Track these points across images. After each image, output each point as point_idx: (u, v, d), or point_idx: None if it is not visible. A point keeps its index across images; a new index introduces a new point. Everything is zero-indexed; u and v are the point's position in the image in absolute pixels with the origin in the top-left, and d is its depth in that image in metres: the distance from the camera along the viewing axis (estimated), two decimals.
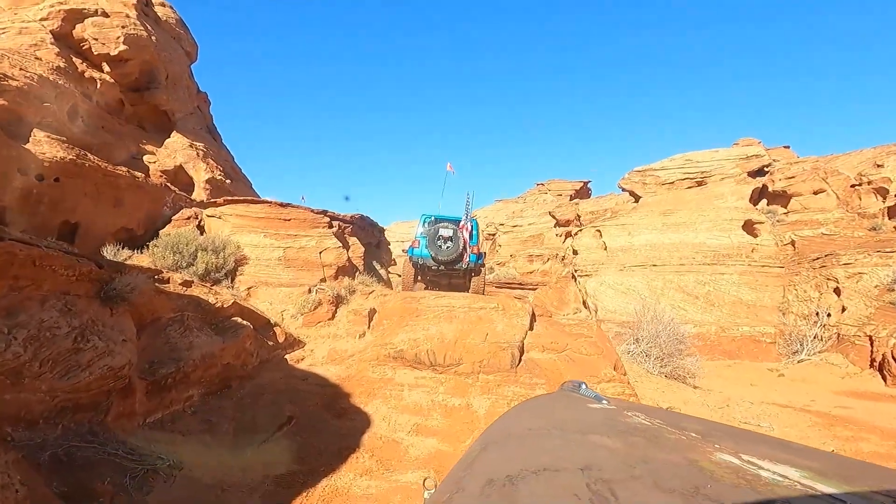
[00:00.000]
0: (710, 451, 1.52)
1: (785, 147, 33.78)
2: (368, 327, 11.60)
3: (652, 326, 12.91)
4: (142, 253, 11.85)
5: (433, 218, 13.29)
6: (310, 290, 12.17)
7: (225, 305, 8.72)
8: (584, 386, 3.03)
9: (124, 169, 12.86)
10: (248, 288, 11.99)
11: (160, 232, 12.33)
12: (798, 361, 16.25)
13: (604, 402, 2.60)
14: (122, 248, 11.89)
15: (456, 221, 12.71)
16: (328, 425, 7.27)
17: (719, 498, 1.13)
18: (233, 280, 11.97)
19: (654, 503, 1.16)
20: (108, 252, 10.98)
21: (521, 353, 9.90)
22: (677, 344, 12.41)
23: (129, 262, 11.10)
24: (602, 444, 1.66)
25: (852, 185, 22.81)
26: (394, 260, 35.03)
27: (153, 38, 15.84)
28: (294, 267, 12.73)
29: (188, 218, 14.45)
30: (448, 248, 12.18)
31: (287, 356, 9.91)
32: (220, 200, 13.76)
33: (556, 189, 48.31)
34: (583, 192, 47.16)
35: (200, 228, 13.89)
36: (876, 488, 1.15)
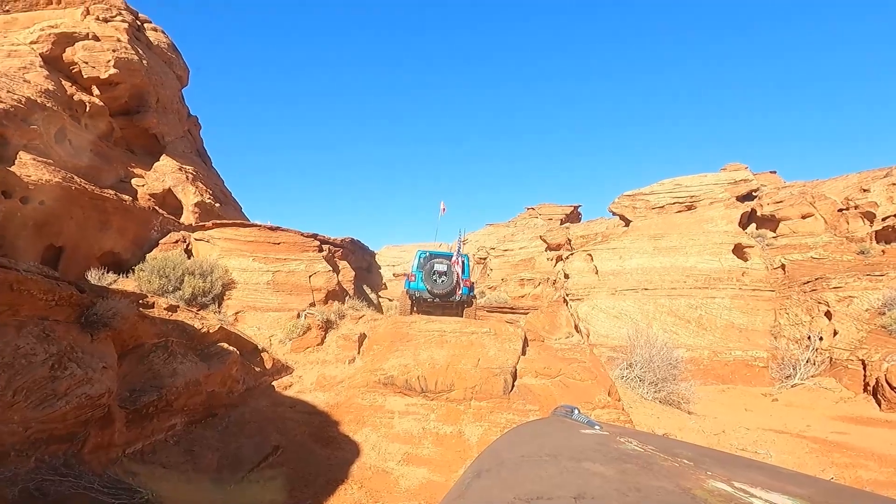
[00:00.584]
0: (702, 479, 1.51)
1: (772, 172, 34.20)
2: (358, 352, 11.40)
3: (645, 351, 12.78)
4: (128, 277, 11.64)
5: (428, 254, 14.10)
6: (299, 315, 11.98)
7: (211, 331, 8.51)
8: (576, 411, 3.00)
9: (111, 192, 12.70)
10: (236, 312, 11.78)
11: (147, 256, 12.12)
12: (791, 386, 16.13)
13: (596, 427, 2.58)
14: (108, 273, 11.68)
15: (448, 257, 13.64)
16: (316, 455, 7.04)
17: None
18: (220, 305, 11.76)
19: None
20: (93, 276, 10.75)
21: (514, 378, 9.73)
22: (671, 369, 12.28)
23: (114, 286, 10.88)
24: (595, 472, 1.65)
25: (839, 210, 23.01)
26: (384, 284, 34.81)
27: (144, 62, 15.84)
28: (283, 291, 12.55)
29: (176, 242, 14.26)
30: (443, 282, 13.03)
31: (275, 382, 9.68)
32: (208, 224, 13.61)
33: (547, 213, 48.53)
34: (573, 217, 47.35)
35: (188, 252, 13.70)
36: None
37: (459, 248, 13.67)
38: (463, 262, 13.45)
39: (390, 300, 26.63)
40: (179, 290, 11.08)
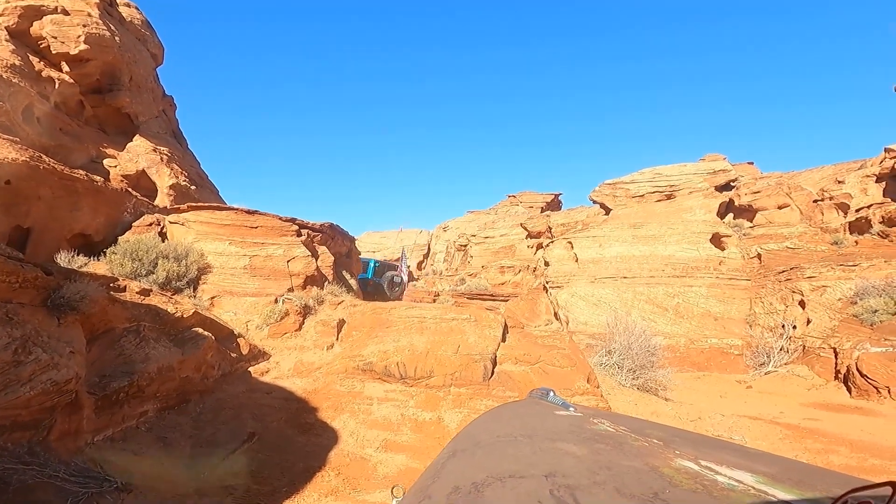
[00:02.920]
0: (670, 458, 1.56)
1: (749, 163, 34.62)
2: (337, 339, 11.27)
3: (624, 338, 12.83)
4: (99, 260, 11.31)
5: (377, 263, 23.10)
6: (276, 300, 11.79)
7: (185, 315, 8.31)
8: (552, 393, 3.04)
9: (82, 172, 12.31)
10: (212, 297, 11.55)
11: (119, 238, 11.77)
12: (765, 373, 16.40)
13: (571, 409, 2.63)
14: (78, 255, 11.35)
15: (396, 268, 20.81)
16: (293, 442, 6.93)
17: (677, 503, 1.17)
18: (195, 289, 11.50)
19: None
20: (63, 259, 10.43)
21: (494, 365, 9.70)
22: (649, 356, 12.36)
23: (84, 269, 10.57)
24: (568, 451, 1.69)
25: (815, 201, 23.40)
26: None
27: (116, 38, 15.33)
28: (260, 276, 12.33)
29: (150, 224, 13.91)
30: (398, 290, 18.96)
31: (251, 368, 9.51)
32: (183, 206, 13.29)
33: (528, 201, 48.64)
34: (554, 205, 47.54)
35: (162, 235, 13.36)
36: (826, 493, 1.19)
37: (403, 259, 25.48)
38: (408, 269, 20.49)
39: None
40: (153, 273, 10.80)
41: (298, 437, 7.10)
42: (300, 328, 11.46)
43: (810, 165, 27.60)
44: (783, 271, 19.01)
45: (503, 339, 11.17)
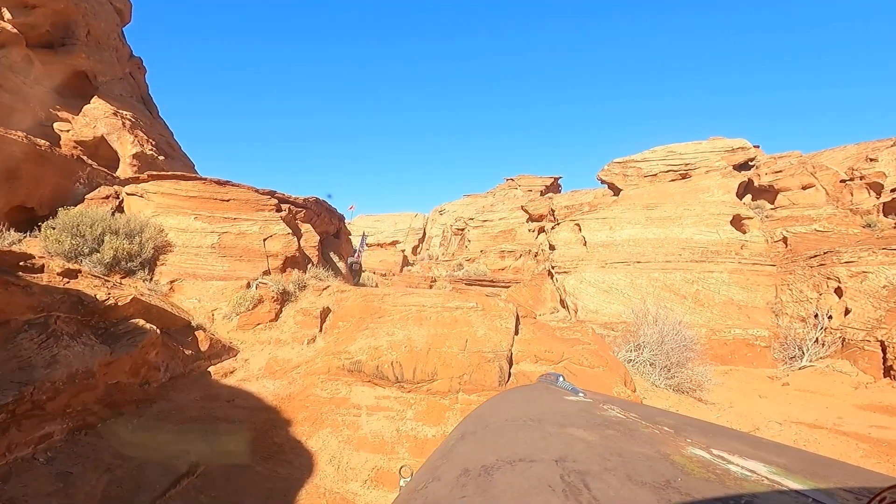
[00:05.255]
0: (682, 446, 1.53)
1: (755, 147, 32.88)
2: (320, 330, 9.50)
3: (653, 330, 11.11)
4: (36, 237, 9.49)
5: None
6: (249, 285, 9.99)
7: (120, 303, 6.48)
8: (561, 378, 2.96)
9: (21, 134, 10.43)
10: (172, 281, 9.73)
11: (59, 210, 9.89)
12: (799, 368, 14.78)
13: (580, 394, 2.58)
14: (12, 231, 9.54)
15: (356, 252, 22.05)
16: (251, 475, 5.16)
17: (689, 491, 1.14)
18: (151, 272, 9.69)
19: (626, 495, 1.16)
20: None
21: (510, 364, 7.97)
22: (684, 351, 10.66)
23: (15, 247, 8.75)
24: (578, 437, 1.67)
25: (842, 181, 21.71)
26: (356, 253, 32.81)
27: None
28: (231, 256, 10.50)
29: (106, 197, 12.04)
30: (356, 270, 19.23)
31: (212, 368, 7.74)
32: (143, 175, 11.40)
33: (527, 184, 46.82)
34: (553, 188, 45.80)
35: (121, 210, 11.53)
36: (840, 485, 1.19)
37: (362, 242, 26.45)
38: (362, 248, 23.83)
39: (363, 271, 24.70)
40: (98, 252, 8.98)
41: (261, 467, 5.34)
42: (276, 318, 9.68)
43: (817, 149, 25.83)
44: (814, 256, 17.32)
45: (516, 332, 9.47)
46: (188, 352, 7.40)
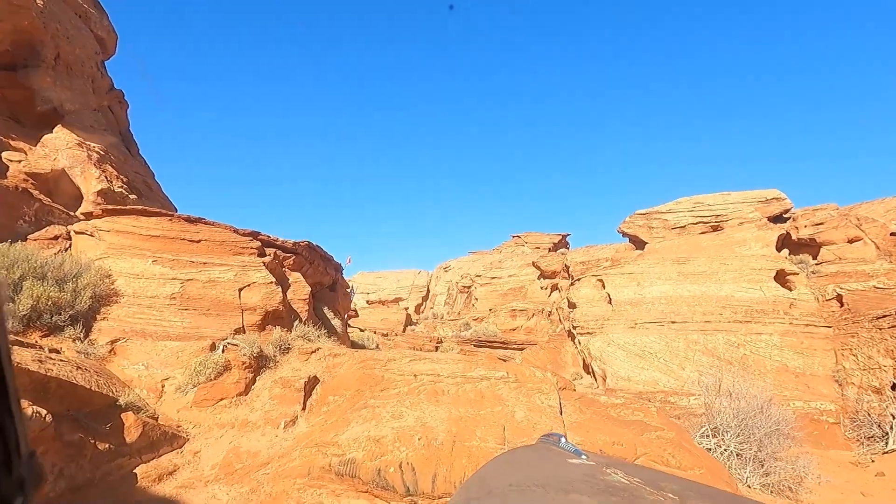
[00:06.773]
0: None
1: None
2: (303, 408, 7.18)
3: (733, 406, 8.71)
4: None
5: None
6: (214, 347, 7.73)
7: None
8: (563, 439, 2.84)
9: None
10: (113, 341, 7.47)
11: None
12: (883, 452, 12.27)
13: (583, 457, 2.50)
14: None
15: None
16: None
17: None
18: (87, 328, 7.46)
19: None
20: None
21: None
22: (779, 437, 8.24)
23: None
24: None
25: (892, 234, 19.75)
26: (355, 310, 30.40)
27: (38, 0, 11.77)
28: (196, 309, 8.30)
29: (55, 237, 9.99)
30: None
31: (142, 468, 5.40)
32: (96, 210, 9.37)
33: (534, 242, 45.04)
34: (561, 245, 44.03)
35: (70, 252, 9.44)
36: None
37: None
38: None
39: (361, 331, 22.29)
40: (13, 301, 6.81)
41: None
42: (247, 390, 7.37)
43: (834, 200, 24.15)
44: (883, 316, 15.04)
45: (560, 411, 7.17)
46: (104, 445, 5.08)
